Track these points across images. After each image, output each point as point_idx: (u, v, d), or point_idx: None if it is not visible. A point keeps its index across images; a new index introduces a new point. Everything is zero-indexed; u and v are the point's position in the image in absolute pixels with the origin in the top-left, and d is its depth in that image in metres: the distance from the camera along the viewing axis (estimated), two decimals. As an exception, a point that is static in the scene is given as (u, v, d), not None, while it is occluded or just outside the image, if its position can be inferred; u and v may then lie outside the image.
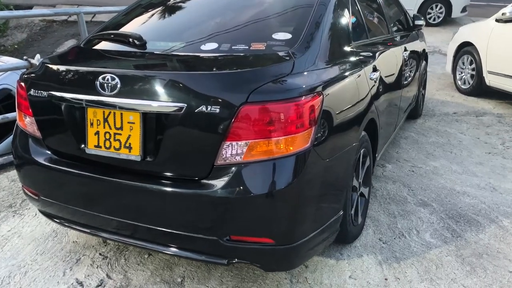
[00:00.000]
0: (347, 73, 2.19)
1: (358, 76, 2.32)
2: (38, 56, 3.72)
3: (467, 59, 5.98)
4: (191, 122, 1.77)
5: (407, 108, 4.15)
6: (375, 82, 2.56)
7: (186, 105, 1.75)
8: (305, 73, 1.91)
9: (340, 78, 2.10)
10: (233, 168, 1.75)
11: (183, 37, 2.28)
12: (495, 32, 5.40)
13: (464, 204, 3.00)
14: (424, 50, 4.76)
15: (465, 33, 6.16)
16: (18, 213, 2.94)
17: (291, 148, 1.75)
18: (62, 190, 2.14)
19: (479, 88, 5.74)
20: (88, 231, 2.14)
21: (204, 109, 1.72)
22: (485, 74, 5.56)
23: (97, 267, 2.36)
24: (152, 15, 2.58)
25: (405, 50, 3.57)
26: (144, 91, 1.84)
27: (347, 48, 2.38)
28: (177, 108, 1.75)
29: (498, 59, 5.29)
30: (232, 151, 1.74)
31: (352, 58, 2.37)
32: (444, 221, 2.79)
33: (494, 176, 3.46)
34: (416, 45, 4.20)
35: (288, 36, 2.10)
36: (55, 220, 2.29)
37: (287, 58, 1.93)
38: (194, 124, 1.76)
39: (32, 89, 2.12)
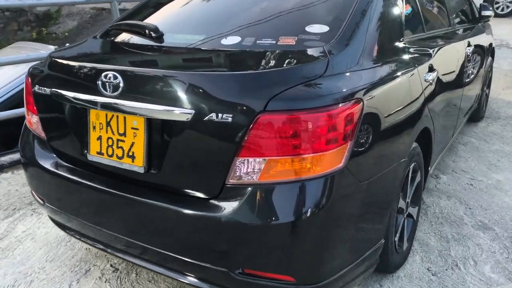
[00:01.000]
0: (396, 74, 1.81)
1: (410, 78, 1.93)
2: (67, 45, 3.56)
3: (541, 55, 5.29)
4: (199, 131, 1.47)
5: (468, 110, 3.65)
6: (431, 84, 2.15)
7: (194, 111, 1.46)
8: (342, 74, 1.56)
9: (387, 80, 1.74)
10: (248, 189, 1.45)
11: (204, 29, 1.99)
12: None
13: (534, 230, 2.53)
14: (490, 44, 4.21)
15: (539, 25, 5.44)
16: (36, 211, 2.80)
17: (319, 168, 1.42)
18: (65, 198, 1.93)
19: (554, 88, 5.06)
20: (95, 245, 1.92)
21: (214, 117, 1.42)
22: (562, 72, 4.87)
23: (105, 281, 2.14)
24: (173, 3, 2.30)
25: (469, 45, 3.09)
26: (149, 92, 1.57)
27: (399, 44, 1.99)
28: (183, 114, 1.47)
29: None
30: (247, 168, 1.43)
31: (404, 56, 1.98)
32: (509, 250, 2.35)
33: None
34: (481, 39, 3.68)
35: (324, 28, 1.75)
36: (64, 230, 2.09)
37: (321, 56, 1.59)
38: (202, 134, 1.47)
39: (37, 85, 1.91)
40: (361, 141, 1.53)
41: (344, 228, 1.56)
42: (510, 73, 6.48)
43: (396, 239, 2.04)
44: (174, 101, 1.50)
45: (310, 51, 1.63)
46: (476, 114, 4.29)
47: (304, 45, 1.69)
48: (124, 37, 2.09)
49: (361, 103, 1.51)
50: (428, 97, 2.12)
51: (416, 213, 2.34)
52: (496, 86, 5.75)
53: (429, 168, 2.52)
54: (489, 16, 3.70)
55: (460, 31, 3.11)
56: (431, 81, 2.13)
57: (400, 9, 2.08)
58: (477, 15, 3.66)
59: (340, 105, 1.44)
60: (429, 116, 2.18)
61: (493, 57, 4.53)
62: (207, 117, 1.44)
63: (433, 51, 2.32)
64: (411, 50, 2.07)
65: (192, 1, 2.28)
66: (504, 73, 6.54)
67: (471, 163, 3.48)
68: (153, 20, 2.18)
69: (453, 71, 2.69)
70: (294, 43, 1.70)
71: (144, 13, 2.32)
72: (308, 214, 1.41)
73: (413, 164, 2.10)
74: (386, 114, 1.68)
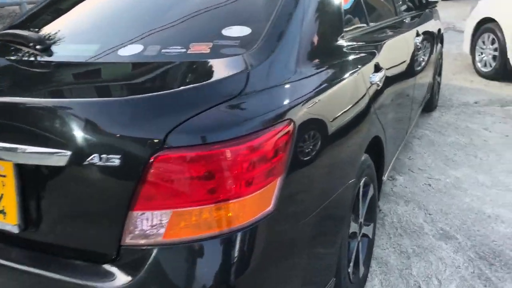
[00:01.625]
0: (336, 82, 1.50)
1: (354, 83, 1.63)
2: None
3: (488, 37, 5.21)
4: (81, 179, 1.11)
5: (421, 102, 3.45)
6: (379, 85, 1.87)
7: (70, 152, 1.09)
8: (267, 90, 1.23)
9: (325, 90, 1.42)
10: (152, 251, 1.10)
11: (101, 37, 1.60)
12: (522, 5, 4.61)
13: (498, 235, 2.32)
14: (439, 30, 4.02)
15: (485, 7, 5.36)
16: None
17: (242, 216, 1.09)
18: None
19: (503, 72, 4.99)
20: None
21: (96, 159, 1.06)
22: (510, 55, 4.79)
23: None
24: (69, 7, 1.90)
25: (418, 34, 2.85)
26: (16, 128, 1.19)
27: (338, 42, 1.68)
28: (58, 157, 1.10)
29: (527, 37, 4.52)
30: (147, 224, 1.08)
31: (344, 57, 1.67)
32: (474, 263, 2.12)
33: (533, 189, 2.77)
34: (430, 26, 3.47)
35: (245, 30, 1.42)
36: None
37: (239, 67, 1.25)
38: (85, 182, 1.11)
39: None
40: (296, 171, 1.22)
41: (283, 283, 1.24)
42: (459, 57, 6.41)
43: (350, 269, 1.75)
44: (47, 140, 1.13)
45: (225, 62, 1.29)
46: (430, 104, 4.12)
47: (221, 53, 1.35)
48: (5, 49, 1.68)
49: (292, 124, 1.19)
50: (377, 102, 1.84)
51: (372, 231, 2.07)
52: (446, 71, 5.63)
53: (383, 177, 2.26)
54: (436, 2, 3.50)
55: (408, 20, 2.86)
56: (378, 82, 1.84)
57: (338, 0, 1.77)
58: (424, 1, 3.43)
59: (264, 131, 1.12)
60: (379, 123, 1.90)
61: (442, 43, 4.36)
62: (87, 160, 1.07)
63: (379, 46, 2.03)
64: (353, 48, 1.77)
65: (89, 4, 1.89)
66: (453, 57, 6.47)
67: (427, 159, 3.27)
68: (42, 27, 1.77)
69: (403, 65, 2.43)
70: (208, 51, 1.35)
71: (34, 19, 1.90)
72: (232, 279, 1.08)
73: (364, 179, 1.82)
74: (327, 132, 1.38)
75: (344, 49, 1.69)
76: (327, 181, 1.40)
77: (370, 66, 1.83)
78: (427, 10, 3.52)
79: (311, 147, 1.28)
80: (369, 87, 1.75)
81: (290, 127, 1.19)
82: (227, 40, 1.39)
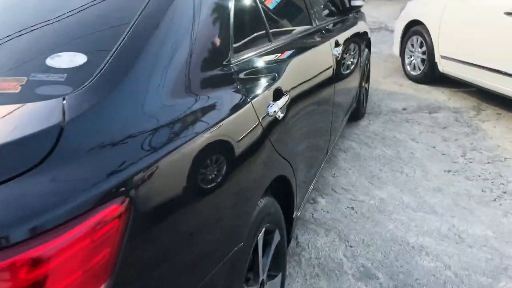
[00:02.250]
0: (210, 125, 1.15)
1: (240, 119, 1.29)
2: None
3: (417, 40, 5.11)
4: None
5: (345, 114, 3.21)
6: (280, 115, 1.54)
7: None
8: (91, 151, 0.86)
9: (189, 140, 1.06)
10: None
11: None
12: (448, 9, 4.53)
13: (423, 271, 2.10)
14: (365, 34, 3.81)
15: (413, 9, 5.26)
16: None
17: None
18: None
19: (431, 75, 4.91)
20: None
21: None
22: (437, 59, 4.71)
23: None
24: None
25: (337, 44, 2.57)
26: None
27: (221, 71, 1.33)
28: None
29: (453, 42, 4.44)
30: None
31: (230, 89, 1.32)
32: (396, 311, 1.87)
33: (458, 211, 2.59)
34: (353, 33, 3.22)
35: (79, 60, 1.03)
36: None
37: (51, 118, 0.87)
38: None
39: None
40: (136, 271, 0.86)
41: None
42: (390, 58, 6.32)
43: None
44: None
45: (34, 109, 0.90)
46: (357, 113, 3.91)
47: (35, 94, 0.95)
48: None
49: (127, 202, 0.83)
50: (277, 135, 1.52)
51: (280, 284, 1.75)
52: (376, 74, 5.50)
53: (295, 213, 1.96)
54: (359, 6, 3.26)
55: (326, 29, 2.58)
56: (278, 112, 1.52)
57: (225, 15, 1.42)
58: (347, 6, 3.18)
59: (75, 223, 0.75)
60: (282, 159, 1.58)
61: (370, 48, 4.16)
62: None
63: (283, 66, 1.71)
64: (245, 75, 1.43)
65: None
66: (384, 58, 6.38)
67: (352, 176, 3.03)
68: None
69: (316, 82, 2.14)
70: (18, 90, 0.96)
71: None
72: None
73: (264, 228, 1.50)
74: (192, 200, 1.02)
75: (231, 79, 1.34)
76: (192, 271, 1.05)
77: (268, 93, 1.50)
78: (350, 15, 3.28)
79: (162, 230, 0.92)
80: (265, 120, 1.42)
81: (123, 208, 0.82)
82: (50, 73, 1.00)
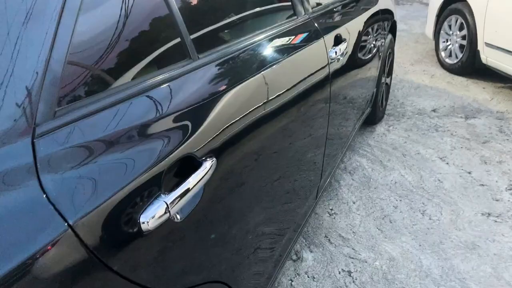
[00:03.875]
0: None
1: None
2: None
3: (456, 21, 4.15)
4: None
5: (356, 123, 2.42)
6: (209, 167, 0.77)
7: None
8: None
9: None
10: None
11: None
12: (500, -16, 3.54)
13: None
14: (388, 14, 2.91)
15: (454, -18, 4.26)
16: None
17: None
18: None
19: (471, 66, 3.97)
20: None
21: None
22: (480, 46, 3.77)
23: None
24: None
25: (338, 41, 1.74)
26: None
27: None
28: None
29: (503, 26, 3.48)
30: None
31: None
32: None
33: (501, 290, 1.80)
34: (369, 16, 2.36)
35: None
36: None
37: None
38: None
39: None
40: None
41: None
42: (422, 39, 5.36)
43: None
44: None
45: None
46: (372, 117, 3.08)
47: None
48: None
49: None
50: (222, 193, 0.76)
51: None
52: (403, 59, 4.60)
53: None
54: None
55: (323, 18, 1.74)
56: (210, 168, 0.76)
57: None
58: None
59: None
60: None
61: (394, 32, 3.27)
62: None
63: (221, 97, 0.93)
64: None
65: None
66: (415, 38, 5.41)
67: (355, 216, 2.26)
68: None
69: (299, 104, 1.35)
70: None
71: None
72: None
73: None
74: None
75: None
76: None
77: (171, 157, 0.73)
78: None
79: None
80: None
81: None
82: None
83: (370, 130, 3.17)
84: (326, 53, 1.60)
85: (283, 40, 1.36)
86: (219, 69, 1.01)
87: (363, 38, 2.20)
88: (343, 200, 2.40)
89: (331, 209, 2.32)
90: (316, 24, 1.61)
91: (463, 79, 4.09)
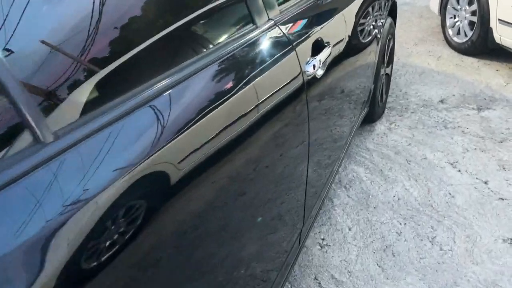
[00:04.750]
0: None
1: None
2: None
3: (465, -5, 3.68)
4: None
5: (350, 132, 2.03)
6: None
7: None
8: None
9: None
10: None
11: None
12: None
13: None
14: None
15: (462, -51, 3.76)
16: None
17: None
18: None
19: (483, 46, 3.52)
20: None
21: None
22: (493, 24, 3.31)
23: None
24: None
25: (317, 49, 1.33)
26: None
27: None
28: None
29: (521, 2, 3.02)
30: None
31: None
32: None
33: None
34: (360, 4, 1.93)
35: None
36: None
37: None
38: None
39: None
40: None
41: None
42: (426, 13, 4.87)
43: None
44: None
45: None
46: (371, 114, 2.67)
47: None
48: None
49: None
50: None
51: None
52: (405, 38, 4.14)
53: None
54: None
55: (293, 20, 1.32)
56: None
57: None
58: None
59: None
60: None
61: (395, 15, 2.82)
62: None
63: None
64: None
65: None
66: (419, 13, 4.93)
67: (351, 248, 1.89)
68: None
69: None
70: None
71: None
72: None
73: None
74: None
75: None
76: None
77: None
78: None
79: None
80: None
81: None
82: None
83: (369, 130, 2.77)
84: (300, 69, 1.19)
85: (230, 68, 0.95)
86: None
87: (355, 32, 1.78)
88: (337, 225, 2.02)
89: (323, 239, 1.95)
90: (284, 31, 1.19)
91: (474, 60, 3.64)
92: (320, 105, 1.37)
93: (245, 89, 0.93)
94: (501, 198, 2.11)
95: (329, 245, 1.92)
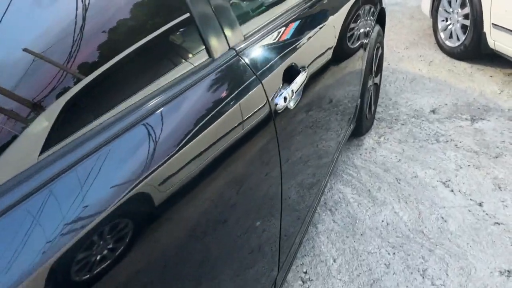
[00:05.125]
0: None
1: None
2: None
3: (457, -3, 3.53)
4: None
5: (338, 148, 1.86)
6: None
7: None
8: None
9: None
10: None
11: None
12: (511, -48, 2.91)
13: None
14: (373, 2, 2.31)
15: (454, -51, 3.60)
16: None
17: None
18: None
19: (476, 50, 3.37)
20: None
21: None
22: (487, 28, 3.16)
23: None
24: None
25: (290, 77, 1.17)
26: None
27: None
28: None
29: (516, 6, 2.87)
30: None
31: None
32: None
33: None
34: (345, 14, 1.77)
35: None
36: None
37: None
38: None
39: None
40: None
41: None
42: (418, 14, 4.72)
43: None
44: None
45: None
46: (359, 128, 2.51)
47: None
48: None
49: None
50: None
51: None
52: (396, 41, 3.99)
53: None
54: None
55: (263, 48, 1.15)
56: None
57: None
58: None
59: None
60: None
61: (383, 21, 2.65)
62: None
63: None
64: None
65: None
66: (410, 13, 4.77)
67: (336, 284, 1.74)
68: None
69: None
70: None
71: None
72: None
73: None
74: None
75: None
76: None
77: None
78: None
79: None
80: None
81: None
82: None
83: (356, 144, 2.61)
84: (268, 105, 1.03)
85: (182, 111, 0.79)
86: None
87: (338, 47, 1.62)
88: (320, 256, 1.86)
89: (305, 273, 1.79)
90: (247, 62, 1.02)
91: (467, 66, 3.49)
92: (292, 140, 1.20)
93: (198, 137, 0.77)
94: (497, 223, 1.96)
95: (312, 280, 1.76)
